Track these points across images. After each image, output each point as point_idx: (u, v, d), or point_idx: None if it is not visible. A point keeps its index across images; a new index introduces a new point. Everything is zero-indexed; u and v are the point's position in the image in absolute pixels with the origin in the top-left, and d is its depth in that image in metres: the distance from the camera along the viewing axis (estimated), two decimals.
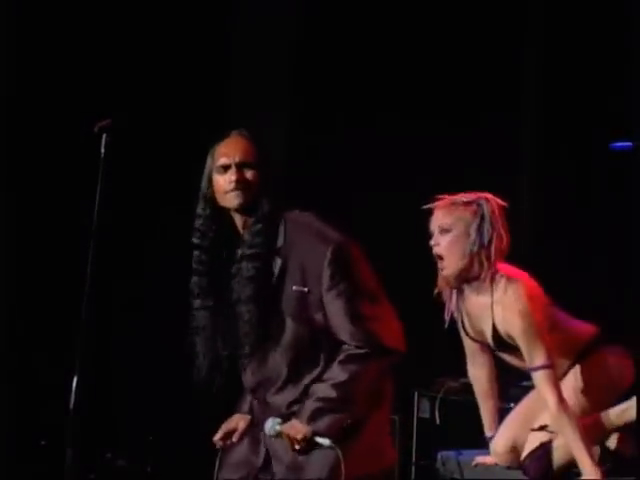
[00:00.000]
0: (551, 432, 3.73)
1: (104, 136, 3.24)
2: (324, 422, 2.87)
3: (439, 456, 4.29)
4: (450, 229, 3.67)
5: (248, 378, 3.02)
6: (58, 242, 5.52)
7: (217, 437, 3.11)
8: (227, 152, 2.97)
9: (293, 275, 2.87)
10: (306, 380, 2.93)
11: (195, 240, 3.03)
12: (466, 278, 3.71)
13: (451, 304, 3.87)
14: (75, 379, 3.19)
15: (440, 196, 3.71)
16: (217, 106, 5.61)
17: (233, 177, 2.93)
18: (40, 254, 5.56)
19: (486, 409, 4.06)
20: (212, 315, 3.01)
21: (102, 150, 3.24)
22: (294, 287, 2.88)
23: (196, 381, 3.04)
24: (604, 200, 5.23)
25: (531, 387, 4.70)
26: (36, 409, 5.43)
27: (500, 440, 3.93)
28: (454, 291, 3.85)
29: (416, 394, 5.04)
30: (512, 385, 4.73)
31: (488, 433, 4.02)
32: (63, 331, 4.91)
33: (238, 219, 3.00)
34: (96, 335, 3.42)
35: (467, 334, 3.93)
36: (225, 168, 2.96)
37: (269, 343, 2.93)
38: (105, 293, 4.13)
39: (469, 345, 4.02)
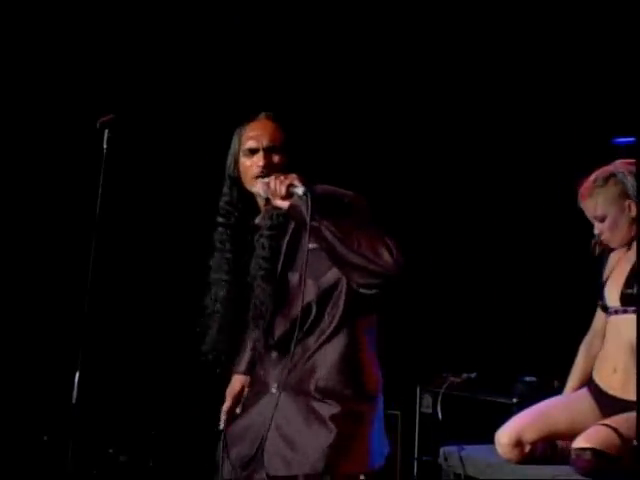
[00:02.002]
0: (617, 432, 3.69)
1: (106, 131, 3.24)
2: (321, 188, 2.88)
3: (441, 451, 4.29)
4: (605, 215, 3.88)
5: (268, 340, 2.99)
6: (60, 237, 5.52)
7: (227, 406, 3.12)
8: (255, 136, 2.98)
9: (318, 235, 2.82)
10: (327, 321, 2.92)
11: (220, 219, 3.05)
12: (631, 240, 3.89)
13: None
14: (77, 374, 3.18)
15: (580, 181, 3.94)
16: (217, 101, 5.61)
17: (261, 162, 2.95)
18: (42, 249, 5.56)
19: (575, 378, 4.08)
20: (229, 290, 3.02)
21: (104, 145, 3.24)
22: (310, 245, 2.84)
23: (205, 352, 3.03)
24: None
25: (533, 383, 4.73)
26: (38, 404, 5.43)
27: (506, 431, 3.90)
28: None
29: (418, 389, 5.04)
30: (516, 381, 4.75)
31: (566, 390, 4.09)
32: (65, 326, 4.92)
33: (260, 200, 3.02)
34: (98, 330, 3.42)
35: (602, 298, 3.95)
36: (252, 151, 2.97)
37: (292, 302, 2.92)
38: (107, 288, 4.12)
39: (599, 328, 4.04)
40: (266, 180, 2.89)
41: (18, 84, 5.44)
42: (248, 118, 3.05)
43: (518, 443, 3.86)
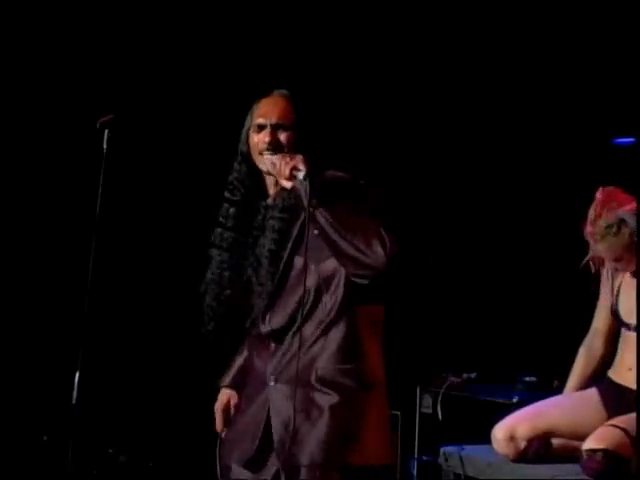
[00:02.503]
0: (627, 434, 3.69)
1: (106, 131, 3.24)
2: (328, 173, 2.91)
3: (442, 451, 4.29)
4: (621, 257, 3.96)
5: (264, 324, 2.98)
6: (60, 237, 5.52)
7: (220, 426, 3.13)
8: (265, 112, 2.98)
9: (314, 220, 2.84)
10: (325, 310, 2.91)
11: (226, 193, 3.05)
12: None
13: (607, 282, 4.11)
14: (77, 374, 3.18)
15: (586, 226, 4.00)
16: (216, 101, 5.61)
17: (267, 139, 2.95)
18: (42, 249, 5.56)
19: (572, 383, 4.14)
20: (228, 268, 3.01)
21: (104, 145, 3.24)
22: (315, 231, 2.85)
23: (204, 333, 3.04)
24: None
25: (533, 383, 4.73)
26: (38, 404, 5.43)
27: (501, 427, 3.95)
28: (610, 271, 4.10)
29: (418, 389, 5.04)
30: (516, 380, 4.76)
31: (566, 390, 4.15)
32: (65, 326, 4.93)
33: (269, 179, 3.02)
34: (98, 330, 3.42)
35: (616, 314, 4.03)
36: (261, 127, 2.97)
37: (291, 288, 2.92)
38: (107, 288, 4.12)
39: (600, 329, 4.14)
40: (274, 158, 2.90)
41: (18, 84, 5.44)
42: (263, 94, 3.06)
43: (512, 439, 3.89)
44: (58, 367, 4.63)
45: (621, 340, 4.04)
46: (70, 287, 4.67)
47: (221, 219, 3.05)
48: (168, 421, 5.62)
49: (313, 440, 2.83)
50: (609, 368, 4.09)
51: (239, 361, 3.18)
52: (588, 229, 4.00)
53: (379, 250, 2.76)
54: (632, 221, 3.89)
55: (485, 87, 5.57)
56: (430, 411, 4.91)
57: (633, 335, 3.93)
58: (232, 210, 3.03)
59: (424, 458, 4.84)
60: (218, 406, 3.16)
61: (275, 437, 2.88)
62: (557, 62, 5.35)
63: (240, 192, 3.03)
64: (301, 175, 2.81)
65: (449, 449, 4.25)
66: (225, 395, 3.16)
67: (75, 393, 3.17)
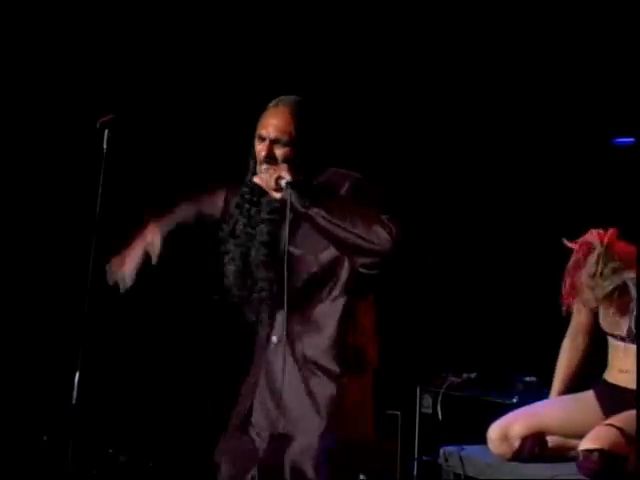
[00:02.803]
0: (622, 433, 3.71)
1: (106, 131, 3.24)
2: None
3: (442, 451, 4.29)
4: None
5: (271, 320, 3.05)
6: (60, 237, 5.51)
7: (132, 251, 3.27)
8: (266, 125, 3.01)
9: (310, 220, 2.90)
10: (326, 293, 2.97)
11: (244, 188, 3.09)
12: None
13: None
14: (77, 374, 3.19)
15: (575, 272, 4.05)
16: (218, 102, 5.61)
17: (263, 152, 2.99)
18: (42, 249, 5.55)
19: (559, 378, 4.21)
20: (241, 254, 3.07)
21: (104, 145, 3.24)
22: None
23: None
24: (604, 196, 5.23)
25: (533, 383, 4.73)
26: (38, 404, 5.43)
27: (495, 426, 3.98)
28: None
29: (419, 390, 5.04)
30: (516, 381, 4.76)
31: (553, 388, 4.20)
32: (65, 326, 4.92)
33: None
34: (98, 330, 3.42)
35: (600, 324, 4.08)
36: (261, 138, 3.01)
37: (290, 281, 2.95)
38: (107, 288, 4.12)
39: (582, 323, 4.18)
40: (261, 175, 2.97)
41: (18, 84, 5.44)
42: (262, 95, 3.09)
43: (506, 438, 3.91)
44: (58, 367, 4.63)
45: (609, 346, 4.11)
46: (70, 287, 4.67)
47: (237, 216, 3.09)
48: (168, 421, 5.61)
49: (303, 417, 2.90)
50: (594, 368, 4.14)
51: (181, 216, 3.35)
52: (587, 282, 3.99)
53: (383, 235, 2.80)
54: (634, 290, 3.91)
55: (485, 87, 5.57)
56: (430, 411, 4.91)
57: (620, 344, 4.00)
58: (248, 207, 3.07)
59: (424, 458, 4.84)
60: (139, 240, 3.31)
61: (256, 396, 2.97)
62: (557, 62, 5.35)
63: (257, 192, 3.06)
64: (283, 183, 2.89)
65: (449, 449, 4.25)
66: (153, 232, 3.32)
67: (75, 393, 3.18)
